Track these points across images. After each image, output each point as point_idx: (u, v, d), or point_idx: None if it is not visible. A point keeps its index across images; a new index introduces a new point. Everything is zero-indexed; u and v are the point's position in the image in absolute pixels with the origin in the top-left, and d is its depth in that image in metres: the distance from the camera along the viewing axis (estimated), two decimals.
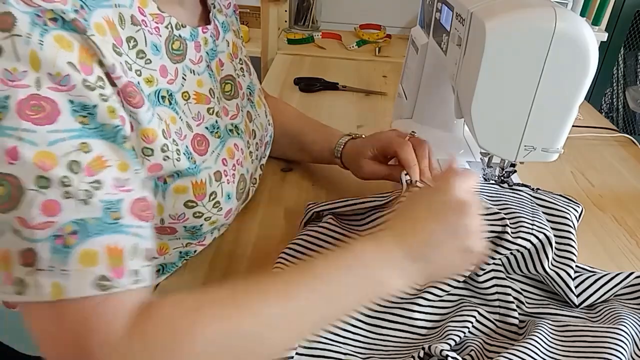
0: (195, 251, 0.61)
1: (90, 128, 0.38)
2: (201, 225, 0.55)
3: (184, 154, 0.49)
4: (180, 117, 0.50)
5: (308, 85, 1.21)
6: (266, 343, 0.41)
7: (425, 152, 0.65)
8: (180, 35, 0.52)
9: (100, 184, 0.38)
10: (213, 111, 0.56)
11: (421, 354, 0.47)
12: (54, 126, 0.36)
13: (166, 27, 0.50)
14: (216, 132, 0.55)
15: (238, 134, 0.60)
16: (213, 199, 0.54)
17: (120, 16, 0.44)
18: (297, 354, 0.48)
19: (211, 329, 0.38)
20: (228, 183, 0.55)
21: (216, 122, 0.56)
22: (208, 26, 0.58)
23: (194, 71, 0.54)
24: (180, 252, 0.60)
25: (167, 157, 0.47)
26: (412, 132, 0.69)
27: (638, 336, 0.52)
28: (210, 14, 0.60)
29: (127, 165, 0.41)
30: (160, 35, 0.49)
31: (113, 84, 0.41)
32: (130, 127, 0.43)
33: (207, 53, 0.57)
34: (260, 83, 1.25)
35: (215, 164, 0.54)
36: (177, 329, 0.38)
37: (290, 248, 0.61)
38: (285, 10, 1.62)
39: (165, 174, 0.48)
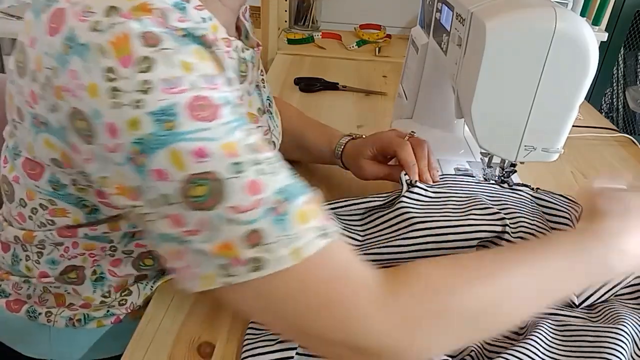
0: None
1: (242, 117, 0.41)
2: None
3: None
4: None
5: (308, 85, 1.21)
6: (507, 312, 0.44)
7: (425, 152, 0.65)
8: (245, 58, 0.53)
9: (271, 157, 0.41)
10: (261, 130, 0.57)
11: None
12: (221, 120, 0.38)
13: (234, 50, 0.50)
14: None
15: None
16: None
17: None
18: (297, 354, 0.48)
19: (473, 291, 0.42)
20: None
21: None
22: (259, 47, 0.58)
23: (248, 92, 0.55)
24: None
25: None
26: (412, 132, 0.69)
27: (638, 336, 0.52)
28: (250, 33, 0.61)
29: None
30: (233, 59, 0.50)
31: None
32: None
33: (259, 72, 0.58)
34: None
35: None
36: (441, 287, 0.41)
37: None
38: (285, 10, 1.62)
39: None
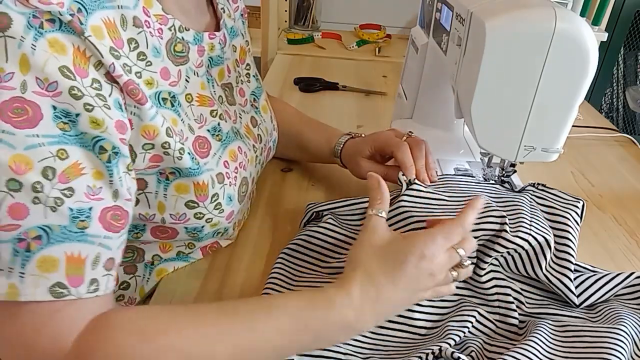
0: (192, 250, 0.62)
1: (70, 135, 0.38)
2: (202, 227, 0.55)
3: (188, 154, 0.49)
4: (182, 120, 0.50)
5: (308, 85, 1.21)
6: None
7: (422, 152, 0.65)
8: (183, 38, 0.52)
9: (72, 192, 0.38)
10: (216, 114, 0.56)
11: (430, 358, 0.47)
12: (33, 130, 0.36)
13: (169, 29, 0.50)
14: (217, 135, 0.55)
15: (240, 137, 0.61)
16: (215, 201, 0.54)
17: (122, 18, 0.44)
18: (296, 354, 0.48)
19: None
20: (230, 185, 0.55)
21: (218, 124, 0.56)
22: (216, 33, 0.57)
23: (197, 73, 0.54)
24: (179, 251, 0.60)
25: (168, 153, 0.47)
26: (410, 132, 0.69)
27: (638, 336, 0.52)
28: (221, 22, 0.60)
29: (102, 174, 0.41)
30: (162, 37, 0.49)
31: (115, 82, 0.41)
32: (130, 124, 0.43)
33: (210, 59, 0.57)
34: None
35: (217, 166, 0.54)
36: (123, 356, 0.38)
37: (290, 248, 0.61)
38: (285, 10, 1.62)
39: (166, 167, 0.49)
